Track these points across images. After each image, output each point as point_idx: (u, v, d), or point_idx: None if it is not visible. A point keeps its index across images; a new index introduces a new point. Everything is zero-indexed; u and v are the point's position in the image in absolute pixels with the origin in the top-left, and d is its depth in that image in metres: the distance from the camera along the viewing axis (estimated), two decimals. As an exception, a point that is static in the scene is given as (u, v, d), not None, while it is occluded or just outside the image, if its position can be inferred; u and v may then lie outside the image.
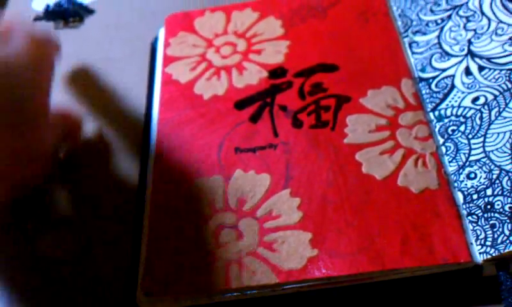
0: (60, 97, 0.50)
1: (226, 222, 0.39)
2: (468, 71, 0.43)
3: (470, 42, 0.44)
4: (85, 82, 0.51)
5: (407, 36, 0.47)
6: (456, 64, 0.44)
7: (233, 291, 0.37)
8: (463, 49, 0.44)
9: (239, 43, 0.49)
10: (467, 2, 0.46)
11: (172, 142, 0.44)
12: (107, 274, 0.40)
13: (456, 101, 0.42)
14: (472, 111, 0.41)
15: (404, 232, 0.37)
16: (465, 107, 0.41)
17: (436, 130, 0.42)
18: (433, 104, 0.43)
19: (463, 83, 0.43)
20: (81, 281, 0.40)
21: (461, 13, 0.46)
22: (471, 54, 0.44)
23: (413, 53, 0.46)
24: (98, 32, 0.55)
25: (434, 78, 0.44)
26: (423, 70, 0.45)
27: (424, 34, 0.47)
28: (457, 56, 0.44)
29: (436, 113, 0.42)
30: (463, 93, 0.42)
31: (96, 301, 0.39)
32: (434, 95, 0.43)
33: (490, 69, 0.42)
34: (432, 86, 0.44)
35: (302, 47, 0.48)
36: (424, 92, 0.44)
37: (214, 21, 0.51)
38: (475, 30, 0.45)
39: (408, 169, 0.40)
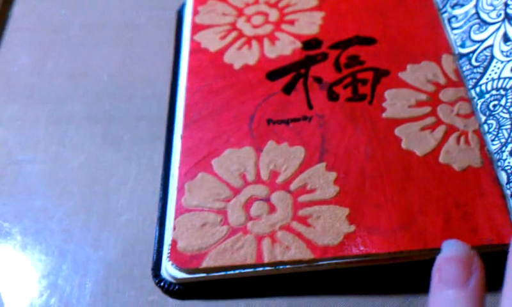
0: (82, 62, 0.49)
1: (258, 195, 0.37)
2: (506, 38, 0.41)
3: (506, 5, 0.42)
4: (109, 47, 0.50)
5: (445, 11, 0.46)
6: (493, 32, 0.42)
7: (266, 265, 0.35)
8: (500, 14, 0.42)
9: (270, 13, 0.48)
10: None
11: (201, 111, 0.42)
12: (133, 243, 0.39)
13: (495, 73, 0.40)
14: (512, 81, 0.39)
15: (447, 210, 0.35)
16: (505, 78, 0.40)
17: (478, 107, 0.40)
18: (474, 80, 0.41)
19: (502, 51, 0.41)
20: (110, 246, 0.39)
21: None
22: (508, 17, 0.42)
23: (452, 29, 0.45)
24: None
25: (473, 52, 0.42)
26: (463, 45, 0.43)
27: (462, 5, 0.45)
28: (494, 23, 0.42)
29: (477, 90, 0.40)
30: (502, 62, 0.40)
31: (122, 269, 0.38)
32: (475, 70, 0.41)
33: (527, 30, 0.40)
34: (473, 60, 0.42)
35: (337, 18, 0.46)
36: (464, 68, 0.42)
37: (245, -10, 0.50)
38: (511, -10, 0.43)
39: (450, 146, 0.38)
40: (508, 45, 0.41)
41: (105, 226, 0.40)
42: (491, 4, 0.43)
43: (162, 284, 0.36)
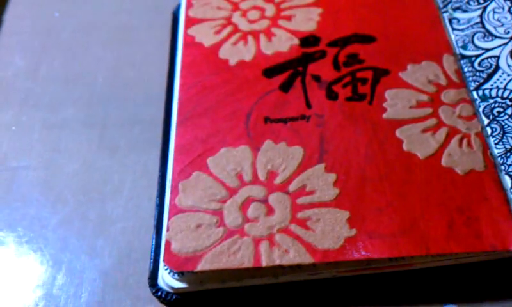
0: (77, 66, 0.47)
1: (255, 196, 0.36)
2: None
3: (516, 26, 0.42)
4: (103, 50, 0.48)
5: (446, 11, 0.45)
6: (501, 46, 0.41)
7: (265, 273, 0.34)
8: (508, 32, 0.42)
9: (267, 8, 0.46)
10: (511, -13, 0.44)
11: (195, 108, 0.41)
12: (129, 251, 0.38)
13: (501, 83, 0.40)
14: (521, 97, 0.39)
15: (449, 215, 0.35)
16: (512, 91, 0.39)
17: (481, 109, 0.39)
18: (476, 83, 0.40)
19: (509, 66, 0.40)
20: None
21: (505, -4, 0.44)
22: (517, 38, 0.41)
23: (453, 29, 0.44)
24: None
25: (477, 56, 0.41)
26: (464, 47, 0.42)
27: (465, 11, 0.44)
28: (502, 38, 0.42)
29: (480, 92, 0.40)
30: (508, 75, 0.40)
31: (118, 278, 0.37)
32: (478, 74, 0.40)
33: (539, 56, 0.40)
34: (475, 64, 0.41)
35: (335, 15, 0.45)
36: (466, 70, 0.41)
37: (240, -16, 0.48)
38: (521, 15, 0.43)
39: (452, 149, 0.37)
40: None
41: (100, 233, 0.39)
42: (499, 20, 0.42)
43: (159, 294, 0.35)
